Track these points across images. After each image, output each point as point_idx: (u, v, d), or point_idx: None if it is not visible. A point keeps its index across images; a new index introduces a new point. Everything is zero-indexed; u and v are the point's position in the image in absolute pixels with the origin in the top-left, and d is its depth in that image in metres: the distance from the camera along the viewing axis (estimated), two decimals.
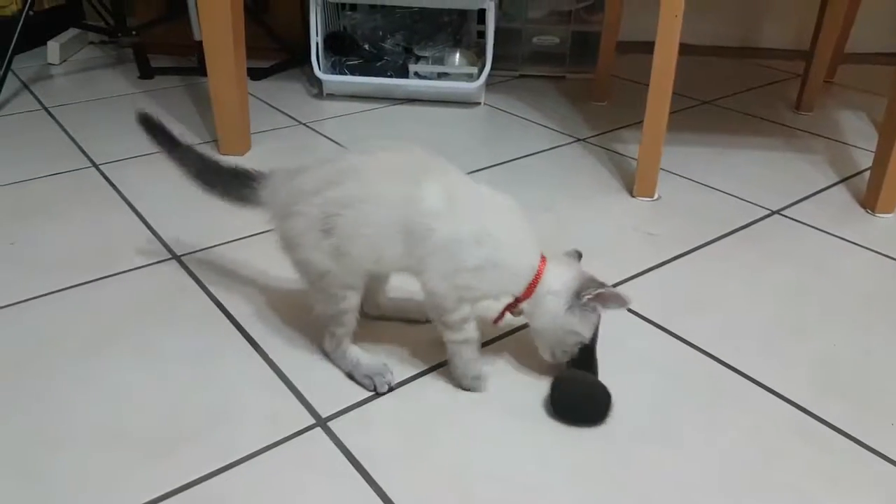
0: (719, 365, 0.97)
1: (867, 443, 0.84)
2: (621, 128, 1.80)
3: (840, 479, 0.80)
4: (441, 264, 0.84)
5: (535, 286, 0.87)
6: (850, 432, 0.86)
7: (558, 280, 0.87)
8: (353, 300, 0.90)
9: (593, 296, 0.85)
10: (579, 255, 0.94)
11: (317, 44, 1.92)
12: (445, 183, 0.85)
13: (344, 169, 0.87)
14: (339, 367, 0.94)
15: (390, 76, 1.95)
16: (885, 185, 1.34)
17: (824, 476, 0.80)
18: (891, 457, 0.82)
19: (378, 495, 0.77)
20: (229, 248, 1.23)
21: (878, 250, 1.25)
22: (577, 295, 0.86)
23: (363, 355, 0.94)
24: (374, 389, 0.90)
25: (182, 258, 1.19)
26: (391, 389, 0.91)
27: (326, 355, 0.95)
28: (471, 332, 0.89)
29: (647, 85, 1.35)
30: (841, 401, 0.90)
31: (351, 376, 0.93)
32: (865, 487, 0.79)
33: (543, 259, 0.88)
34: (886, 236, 1.30)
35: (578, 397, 0.87)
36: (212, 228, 1.27)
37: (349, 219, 0.85)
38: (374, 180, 0.85)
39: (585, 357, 0.89)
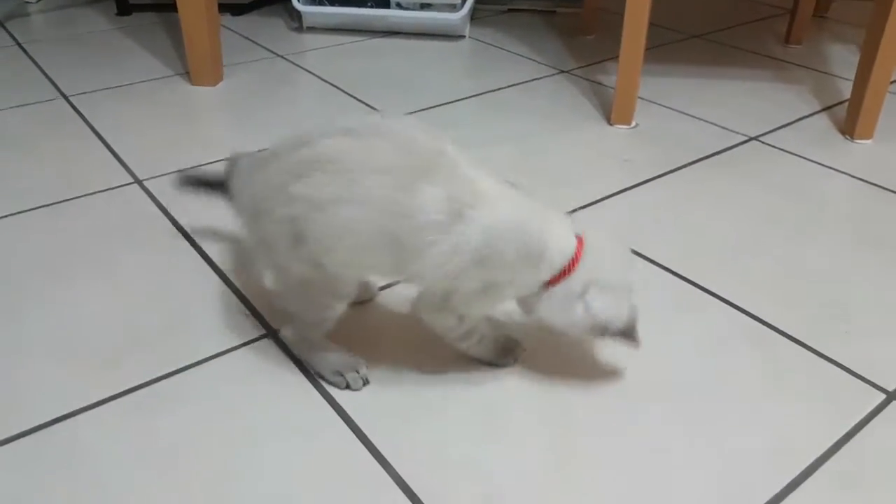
0: (678, 279, 0.96)
1: (817, 348, 0.84)
2: (605, 60, 1.76)
3: (787, 381, 0.80)
4: (443, 283, 0.70)
5: (559, 280, 0.71)
6: (801, 339, 0.85)
7: (602, 294, 0.71)
8: (340, 309, 0.76)
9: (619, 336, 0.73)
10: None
11: None
12: (448, 184, 0.67)
13: (314, 158, 0.68)
14: (301, 359, 0.81)
15: (371, 6, 1.90)
16: (863, 110, 1.31)
17: (772, 379, 0.80)
18: (839, 360, 0.82)
19: (324, 398, 0.77)
20: None
21: (854, 174, 1.23)
22: (603, 333, 0.72)
23: (331, 349, 0.79)
24: (347, 387, 0.77)
25: (144, 183, 1.18)
26: (366, 384, 0.79)
27: (287, 342, 0.82)
28: (482, 329, 0.77)
29: None
30: (797, 311, 0.90)
31: (318, 374, 0.79)
32: (810, 388, 0.79)
33: (580, 244, 0.72)
34: (863, 161, 1.27)
35: None
36: (176, 155, 1.26)
37: (321, 224, 0.68)
38: (356, 175, 0.67)
39: None
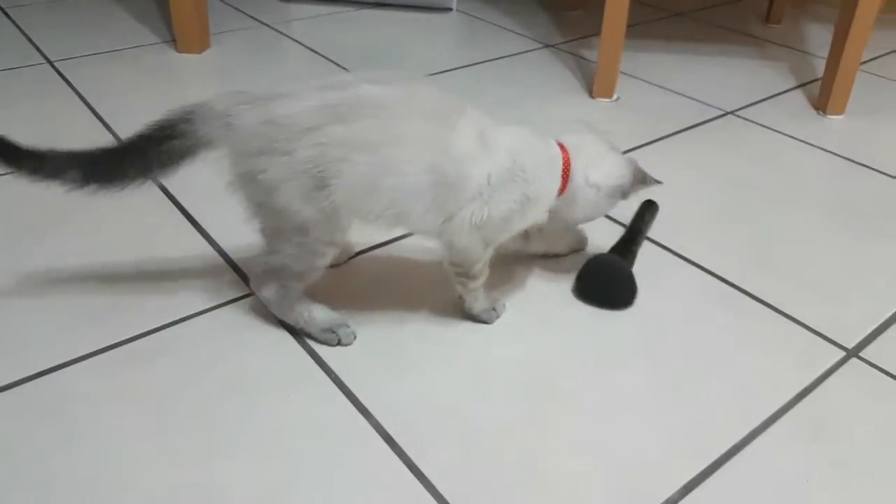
0: (655, 246, 0.99)
1: (783, 310, 0.88)
2: (590, 35, 1.78)
3: (754, 340, 0.84)
4: (474, 215, 0.74)
5: (565, 185, 0.80)
6: (769, 301, 0.89)
7: (596, 171, 0.81)
8: (330, 256, 0.78)
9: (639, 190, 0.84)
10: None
11: None
12: (475, 123, 0.74)
13: (356, 101, 0.70)
14: (283, 319, 0.82)
15: None
16: (835, 87, 1.35)
17: (740, 338, 0.84)
18: (803, 321, 0.86)
19: (308, 353, 0.79)
20: None
21: (825, 147, 1.26)
22: (624, 194, 0.83)
23: (315, 307, 0.80)
24: (339, 342, 0.80)
25: None
26: (355, 338, 0.81)
27: (266, 302, 0.81)
28: (486, 273, 0.82)
29: None
30: (766, 275, 0.93)
31: (305, 333, 0.81)
32: (775, 346, 0.83)
33: (563, 150, 0.81)
34: (834, 135, 1.31)
35: (605, 282, 0.89)
36: None
37: (364, 167, 0.70)
38: (400, 119, 0.71)
39: (627, 245, 0.93)
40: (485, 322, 0.84)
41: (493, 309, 0.85)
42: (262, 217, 0.75)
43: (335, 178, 0.70)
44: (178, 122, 0.73)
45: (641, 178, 0.84)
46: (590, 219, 0.87)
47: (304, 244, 0.75)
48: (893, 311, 0.88)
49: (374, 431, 0.71)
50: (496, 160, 0.74)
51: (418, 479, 0.66)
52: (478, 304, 0.83)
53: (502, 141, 0.76)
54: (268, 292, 0.80)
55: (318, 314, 0.80)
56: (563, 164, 0.80)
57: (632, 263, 0.90)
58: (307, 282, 0.79)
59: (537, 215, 0.80)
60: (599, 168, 0.82)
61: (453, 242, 0.77)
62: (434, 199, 0.72)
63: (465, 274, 0.80)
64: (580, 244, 0.97)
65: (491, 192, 0.74)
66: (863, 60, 1.58)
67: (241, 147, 0.72)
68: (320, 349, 0.80)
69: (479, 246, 0.77)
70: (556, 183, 0.80)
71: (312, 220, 0.72)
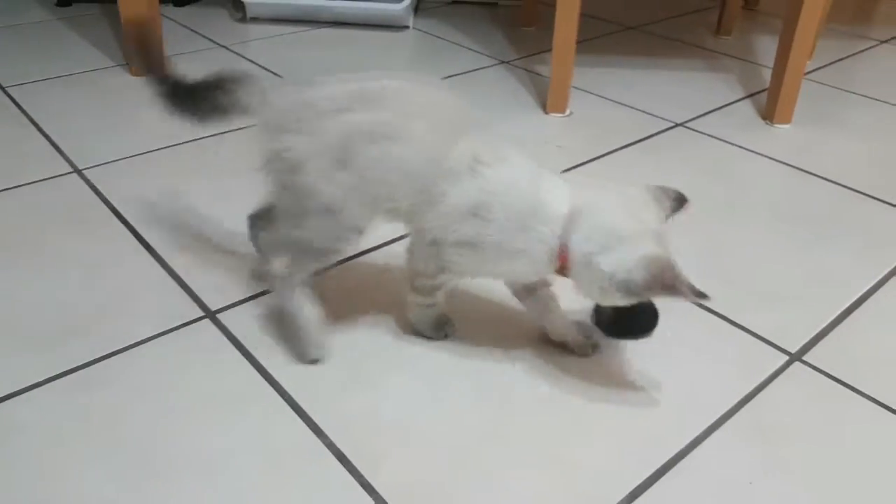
0: None
1: (729, 316, 0.90)
2: (543, 52, 1.81)
3: (700, 346, 0.86)
4: (436, 231, 0.74)
5: (565, 261, 0.72)
6: (715, 308, 0.91)
7: (606, 253, 0.69)
8: (353, 244, 0.78)
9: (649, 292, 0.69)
10: (678, 201, 0.76)
11: None
12: (477, 146, 0.73)
13: (378, 90, 0.73)
14: (277, 300, 0.82)
15: None
16: (781, 97, 1.38)
17: (686, 345, 0.85)
18: (748, 327, 0.89)
19: (261, 374, 0.79)
20: (130, 163, 1.22)
21: (773, 156, 1.30)
22: (630, 290, 0.68)
23: (311, 311, 0.80)
24: (296, 359, 0.81)
25: (84, 172, 1.18)
26: (313, 362, 0.82)
27: (264, 277, 0.83)
28: (438, 299, 0.82)
29: None
30: (713, 283, 0.92)
31: (280, 319, 0.82)
32: (720, 352, 0.85)
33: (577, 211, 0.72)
34: (781, 144, 1.35)
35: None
36: (116, 144, 1.26)
37: (372, 156, 0.72)
38: (414, 116, 0.73)
39: None
40: (429, 338, 0.85)
41: (442, 329, 0.85)
42: (287, 197, 0.76)
43: (353, 161, 0.72)
44: (227, 80, 0.78)
45: (668, 284, 0.66)
46: (608, 301, 0.73)
47: (330, 226, 0.75)
48: (835, 315, 0.91)
49: (326, 449, 0.71)
50: (470, 188, 0.72)
51: (370, 496, 0.66)
52: (424, 321, 0.84)
53: (488, 173, 0.72)
54: (277, 265, 0.80)
55: (307, 319, 0.80)
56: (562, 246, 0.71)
57: None
58: (322, 264, 0.79)
59: (512, 268, 0.75)
60: (611, 249, 0.69)
61: (414, 242, 0.78)
62: (413, 203, 0.74)
63: (411, 281, 0.81)
64: (580, 349, 0.83)
65: (454, 216, 0.73)
66: (809, 70, 1.64)
67: (274, 122, 0.75)
68: (272, 369, 0.80)
69: (429, 259, 0.77)
70: (534, 241, 0.72)
71: (338, 201, 0.74)
